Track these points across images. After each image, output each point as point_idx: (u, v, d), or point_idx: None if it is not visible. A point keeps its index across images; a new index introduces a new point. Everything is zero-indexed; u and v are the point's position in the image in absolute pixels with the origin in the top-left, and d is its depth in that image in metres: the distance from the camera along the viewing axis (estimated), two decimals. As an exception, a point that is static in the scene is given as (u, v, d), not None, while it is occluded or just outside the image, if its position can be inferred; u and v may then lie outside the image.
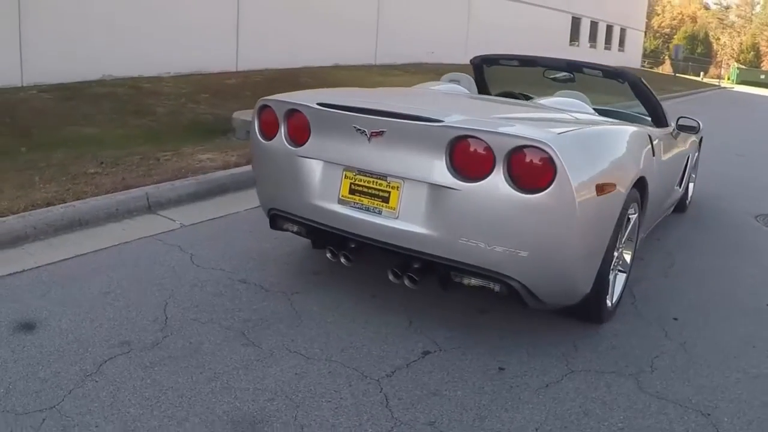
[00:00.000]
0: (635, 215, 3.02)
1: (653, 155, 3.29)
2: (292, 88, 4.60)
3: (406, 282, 2.69)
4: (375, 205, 2.66)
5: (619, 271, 3.03)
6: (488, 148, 2.38)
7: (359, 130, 2.65)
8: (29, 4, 7.60)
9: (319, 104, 2.79)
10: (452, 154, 2.47)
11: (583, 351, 2.65)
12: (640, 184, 2.94)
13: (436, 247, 2.54)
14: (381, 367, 2.40)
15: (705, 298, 3.32)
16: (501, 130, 2.40)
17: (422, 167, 2.51)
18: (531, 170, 2.32)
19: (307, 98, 2.90)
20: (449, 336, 2.68)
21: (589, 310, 2.82)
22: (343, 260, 2.87)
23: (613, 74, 3.93)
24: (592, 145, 2.61)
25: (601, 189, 2.44)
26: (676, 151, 4.11)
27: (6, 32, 7.46)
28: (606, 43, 29.61)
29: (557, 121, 2.85)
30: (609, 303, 2.90)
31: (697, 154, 5.15)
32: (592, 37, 27.89)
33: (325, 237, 2.87)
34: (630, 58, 31.57)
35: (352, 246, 2.83)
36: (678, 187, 4.59)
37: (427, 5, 15.78)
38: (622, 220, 2.71)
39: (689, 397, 2.33)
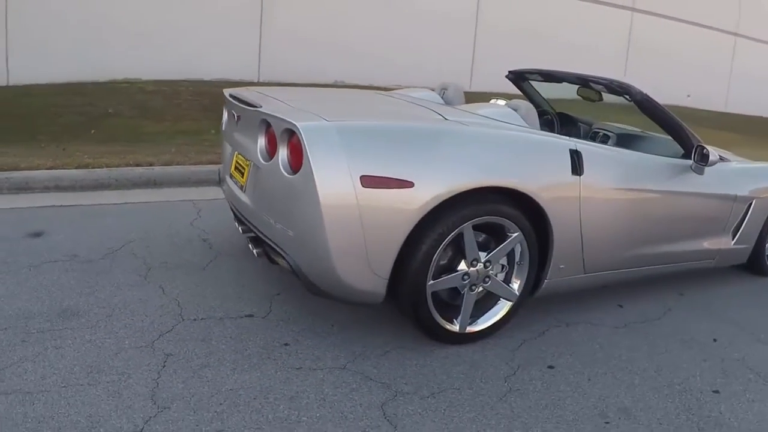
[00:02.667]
0: (515, 234, 2.65)
1: (578, 173, 2.79)
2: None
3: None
4: (239, 181, 2.98)
5: (498, 296, 2.75)
6: (274, 131, 2.53)
7: (232, 114, 3.03)
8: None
9: (229, 95, 3.22)
10: (264, 136, 2.67)
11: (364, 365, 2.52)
12: (516, 201, 2.60)
13: (256, 221, 2.76)
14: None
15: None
16: (281, 114, 2.49)
17: (252, 148, 2.75)
18: (293, 153, 2.40)
19: (232, 90, 3.36)
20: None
21: (418, 322, 2.62)
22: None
23: (617, 90, 3.37)
24: (388, 140, 2.44)
25: (371, 182, 2.32)
26: (692, 188, 3.30)
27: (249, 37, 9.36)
28: None
29: (382, 116, 2.77)
30: (450, 324, 2.65)
31: None
32: None
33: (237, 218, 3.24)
34: None
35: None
36: (729, 239, 3.63)
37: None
38: (440, 226, 2.45)
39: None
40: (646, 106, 3.29)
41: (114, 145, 5.77)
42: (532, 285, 2.89)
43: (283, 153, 2.47)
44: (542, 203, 2.68)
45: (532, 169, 2.70)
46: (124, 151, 5.43)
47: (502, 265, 2.78)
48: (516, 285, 2.80)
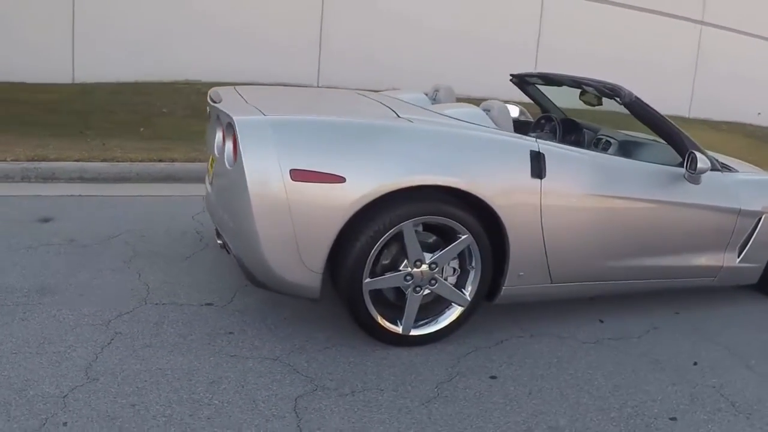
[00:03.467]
0: (464, 237, 2.58)
1: (539, 176, 2.67)
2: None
3: None
4: (209, 175, 3.08)
5: (449, 301, 2.70)
6: (222, 125, 2.62)
7: (208, 111, 3.16)
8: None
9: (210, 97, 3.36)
10: (220, 131, 2.75)
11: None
12: (465, 203, 2.54)
13: (215, 212, 2.87)
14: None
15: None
16: (227, 109, 2.56)
17: (212, 142, 2.87)
18: (233, 146, 2.46)
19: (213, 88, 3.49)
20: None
21: (356, 320, 2.61)
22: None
23: (607, 93, 3.19)
24: (321, 135, 2.44)
25: (301, 175, 2.34)
26: (685, 198, 3.07)
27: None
28: None
29: (325, 112, 2.78)
30: (393, 325, 2.62)
31: None
32: None
33: None
34: None
35: None
36: (734, 256, 3.34)
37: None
38: (376, 223, 2.43)
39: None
40: (635, 109, 3.10)
41: (156, 142, 6.14)
42: (489, 291, 2.81)
43: (227, 146, 2.55)
44: (494, 205, 2.60)
45: (483, 169, 2.62)
46: (160, 147, 5.76)
47: (454, 269, 2.72)
48: (469, 290, 2.72)
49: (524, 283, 2.82)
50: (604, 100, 3.36)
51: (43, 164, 4.54)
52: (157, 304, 2.90)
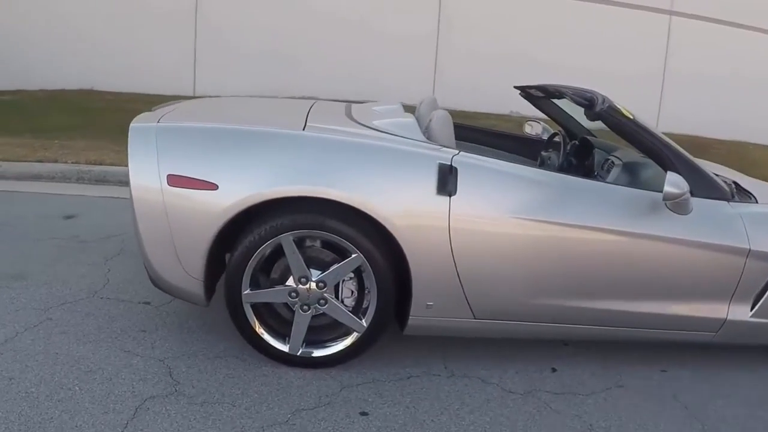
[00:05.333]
0: (353, 256, 2.38)
1: (448, 193, 2.35)
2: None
3: None
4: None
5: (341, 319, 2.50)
6: None
7: None
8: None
9: None
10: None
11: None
12: (359, 218, 2.35)
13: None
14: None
15: None
16: (144, 115, 2.64)
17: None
18: (131, 151, 2.55)
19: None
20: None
21: (239, 331, 2.53)
22: None
23: (580, 101, 2.74)
24: (201, 142, 2.42)
25: (177, 181, 2.34)
26: (666, 231, 2.53)
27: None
28: None
29: (220, 119, 2.70)
30: (282, 343, 2.50)
31: None
32: None
33: None
34: None
35: None
36: (745, 308, 2.66)
37: None
38: (251, 234, 2.34)
39: None
40: (608, 120, 2.64)
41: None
42: (400, 319, 2.55)
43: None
44: (389, 225, 2.37)
45: (381, 183, 2.40)
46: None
47: (352, 291, 2.52)
48: (366, 315, 2.49)
49: (437, 315, 2.51)
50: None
51: (97, 168, 5.09)
52: (102, 298, 3.09)
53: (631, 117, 2.71)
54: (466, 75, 9.17)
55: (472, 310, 2.52)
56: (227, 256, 2.64)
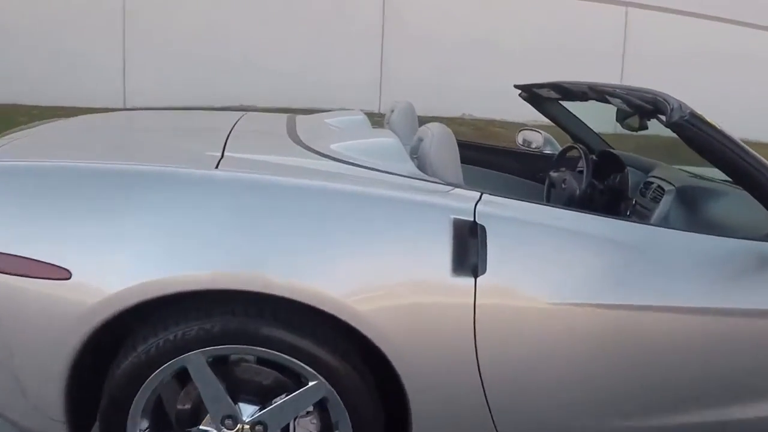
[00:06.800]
0: (312, 384, 1.38)
1: (472, 273, 1.39)
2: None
3: None
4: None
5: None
6: None
7: None
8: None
9: None
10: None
11: None
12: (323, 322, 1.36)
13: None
14: None
15: None
16: None
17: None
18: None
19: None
20: None
21: None
22: None
23: (643, 107, 1.84)
24: (44, 191, 1.36)
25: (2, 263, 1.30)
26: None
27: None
28: None
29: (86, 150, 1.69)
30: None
31: None
32: None
33: None
34: None
35: None
36: None
37: None
38: (136, 353, 1.32)
39: None
40: (688, 133, 1.72)
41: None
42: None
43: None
44: (369, 331, 1.37)
45: (348, 260, 1.39)
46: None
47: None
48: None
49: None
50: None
51: None
52: None
53: (719, 128, 1.82)
54: (413, 72, 8.28)
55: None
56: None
